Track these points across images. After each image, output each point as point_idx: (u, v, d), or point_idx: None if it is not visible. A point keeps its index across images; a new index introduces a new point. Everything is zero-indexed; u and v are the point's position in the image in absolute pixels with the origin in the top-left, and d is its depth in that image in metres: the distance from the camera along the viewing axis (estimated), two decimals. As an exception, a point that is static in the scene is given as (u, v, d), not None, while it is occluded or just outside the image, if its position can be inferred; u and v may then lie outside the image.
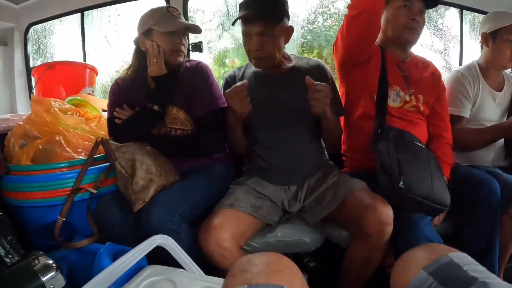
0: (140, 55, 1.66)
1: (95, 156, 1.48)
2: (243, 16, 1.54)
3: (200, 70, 1.66)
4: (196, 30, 1.68)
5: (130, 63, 1.73)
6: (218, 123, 1.62)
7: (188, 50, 2.27)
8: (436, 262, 0.73)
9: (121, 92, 1.67)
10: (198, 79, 1.63)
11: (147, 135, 1.60)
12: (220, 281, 1.04)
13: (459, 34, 2.65)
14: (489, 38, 1.89)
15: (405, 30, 1.66)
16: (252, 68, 1.72)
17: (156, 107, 1.55)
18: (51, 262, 1.09)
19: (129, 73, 1.70)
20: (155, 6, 1.63)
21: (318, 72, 1.66)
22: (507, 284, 0.65)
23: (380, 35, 1.72)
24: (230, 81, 1.72)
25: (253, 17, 1.52)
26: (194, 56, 2.31)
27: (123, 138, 1.52)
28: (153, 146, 1.57)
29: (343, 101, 1.73)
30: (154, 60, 1.55)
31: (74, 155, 1.49)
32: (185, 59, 1.70)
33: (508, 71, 2.10)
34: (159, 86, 1.58)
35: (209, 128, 1.60)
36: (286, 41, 1.63)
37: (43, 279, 1.02)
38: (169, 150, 1.61)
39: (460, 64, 2.59)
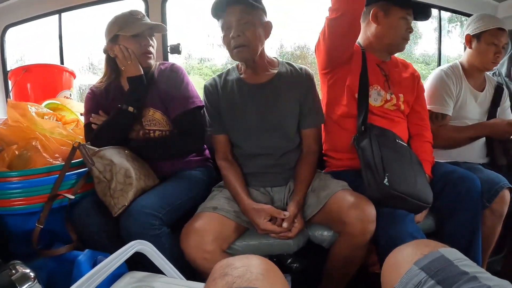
0: (111, 63, 1.66)
1: (73, 161, 1.45)
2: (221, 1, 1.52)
3: (175, 71, 1.67)
4: (162, 29, 1.68)
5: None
6: (195, 122, 1.63)
7: (167, 53, 2.27)
8: (427, 257, 0.74)
9: (96, 99, 1.67)
10: (173, 80, 1.64)
11: (125, 138, 1.59)
12: (200, 285, 1.03)
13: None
14: (473, 40, 1.96)
15: (403, 41, 1.71)
16: (233, 76, 1.69)
17: (131, 109, 1.55)
18: (28, 271, 1.06)
19: (103, 81, 1.69)
20: (133, 8, 1.63)
21: (305, 80, 1.66)
22: (496, 278, 0.66)
23: (369, 38, 1.75)
24: (211, 90, 1.68)
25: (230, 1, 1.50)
26: (172, 58, 2.30)
27: (100, 143, 1.50)
28: (132, 150, 1.56)
29: (325, 101, 1.75)
30: (129, 62, 1.55)
31: (51, 160, 1.45)
32: (159, 62, 1.71)
33: (489, 72, 2.15)
34: (134, 88, 1.58)
35: (186, 127, 1.61)
36: (266, 36, 1.60)
37: (21, 289, 1.00)
38: (148, 152, 1.60)
39: (439, 62, 2.65)
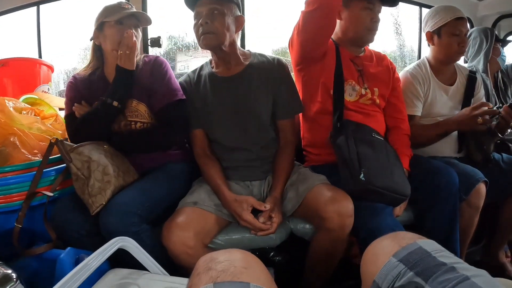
0: (97, 52, 1.64)
1: (52, 157, 1.41)
2: None
3: (159, 64, 1.66)
4: (146, 21, 1.65)
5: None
6: (178, 115, 1.61)
7: (147, 46, 2.24)
8: (405, 249, 0.75)
9: (78, 88, 1.62)
10: (156, 73, 1.63)
11: (107, 132, 1.57)
12: (184, 281, 1.03)
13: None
14: (434, 36, 1.94)
15: (368, 32, 1.70)
16: (206, 70, 1.71)
17: (115, 103, 1.51)
18: (10, 271, 1.03)
19: (87, 69, 1.66)
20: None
21: (278, 70, 1.66)
22: (474, 268, 0.68)
23: (337, 33, 1.75)
24: (186, 86, 1.69)
25: None
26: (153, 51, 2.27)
27: (82, 136, 1.48)
28: (114, 143, 1.55)
29: (301, 97, 1.74)
30: (127, 52, 1.51)
31: (30, 156, 1.42)
32: (144, 55, 1.70)
33: (462, 64, 2.17)
34: (121, 81, 1.54)
35: (170, 120, 1.59)
36: (238, 30, 1.62)
37: (2, 290, 0.98)
38: (130, 145, 1.59)
39: (419, 58, 2.67)
